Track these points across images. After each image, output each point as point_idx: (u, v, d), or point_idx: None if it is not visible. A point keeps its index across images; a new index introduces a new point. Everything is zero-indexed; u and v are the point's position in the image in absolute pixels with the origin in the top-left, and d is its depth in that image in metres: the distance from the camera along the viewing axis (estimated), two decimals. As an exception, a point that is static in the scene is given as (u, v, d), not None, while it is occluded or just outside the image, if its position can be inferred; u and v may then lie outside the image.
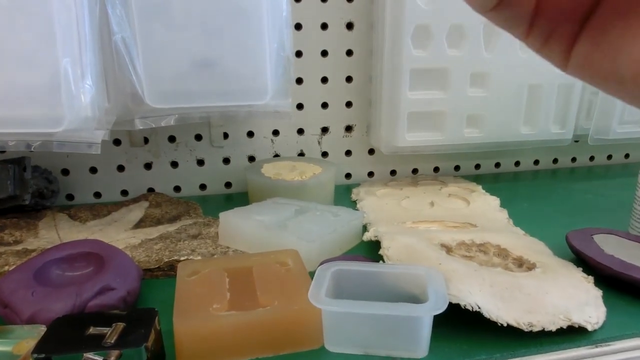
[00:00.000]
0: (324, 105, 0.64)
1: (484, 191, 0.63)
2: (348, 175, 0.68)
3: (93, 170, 0.60)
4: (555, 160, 0.75)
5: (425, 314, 0.30)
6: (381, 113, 0.59)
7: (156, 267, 0.41)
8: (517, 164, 0.74)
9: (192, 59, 0.41)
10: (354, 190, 0.63)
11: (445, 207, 0.57)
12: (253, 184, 0.57)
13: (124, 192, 0.62)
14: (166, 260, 0.42)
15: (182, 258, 0.42)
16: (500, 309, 0.32)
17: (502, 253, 0.43)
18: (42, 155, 0.56)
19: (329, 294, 0.33)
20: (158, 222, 0.52)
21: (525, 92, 0.59)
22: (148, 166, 0.62)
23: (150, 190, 0.62)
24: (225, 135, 0.63)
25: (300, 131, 0.65)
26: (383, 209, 0.57)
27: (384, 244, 0.41)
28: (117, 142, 0.60)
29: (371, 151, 0.68)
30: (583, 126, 0.66)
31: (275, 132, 0.64)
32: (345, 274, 0.35)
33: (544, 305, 0.34)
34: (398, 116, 0.57)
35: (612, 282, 0.39)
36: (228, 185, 0.65)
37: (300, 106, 0.64)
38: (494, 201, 0.59)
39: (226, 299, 0.32)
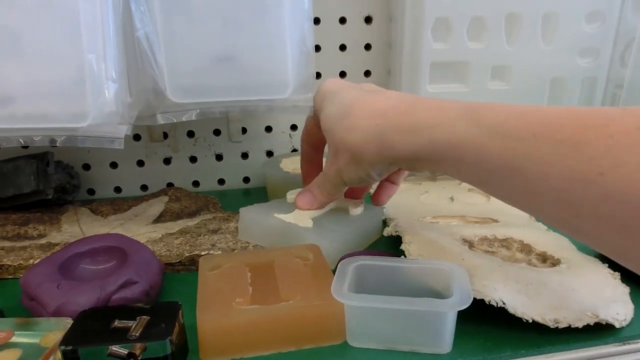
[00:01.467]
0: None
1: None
2: (366, 170, 0.68)
3: (113, 165, 0.61)
4: None
5: (450, 310, 0.29)
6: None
7: (177, 262, 0.42)
8: None
9: (213, 54, 0.41)
10: (373, 185, 0.63)
11: (465, 202, 0.57)
12: (272, 179, 0.57)
13: (144, 187, 0.62)
14: (187, 254, 0.42)
15: (202, 253, 0.42)
16: (525, 305, 0.32)
17: (525, 248, 0.42)
18: (64, 151, 0.57)
19: (352, 288, 0.32)
20: (178, 216, 0.52)
21: (548, 86, 0.58)
22: (167, 161, 0.62)
23: (170, 185, 0.63)
24: (244, 130, 0.63)
25: (318, 126, 0.65)
26: (402, 203, 0.56)
27: (405, 238, 0.41)
28: (137, 137, 0.60)
29: (389, 146, 0.67)
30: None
31: (294, 127, 0.64)
32: (367, 269, 0.35)
33: (570, 301, 0.33)
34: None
35: (638, 278, 0.38)
36: (246, 180, 0.65)
37: (317, 101, 0.63)
38: (515, 196, 0.58)
39: (248, 294, 0.32)
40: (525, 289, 0.34)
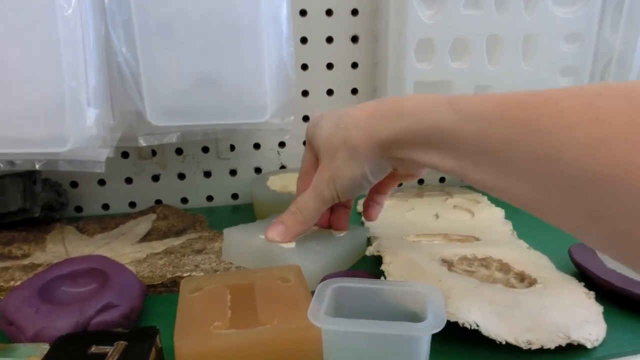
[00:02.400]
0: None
1: (489, 202, 0.62)
2: (353, 187, 0.69)
3: (101, 182, 0.61)
4: None
5: (423, 333, 0.30)
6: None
7: (160, 283, 0.42)
8: None
9: (193, 77, 0.42)
10: (360, 202, 0.63)
11: (450, 219, 0.57)
12: (258, 197, 0.57)
13: (132, 204, 0.63)
14: (169, 276, 0.42)
15: (185, 274, 0.42)
16: (499, 327, 0.32)
17: (504, 268, 0.43)
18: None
19: (330, 311, 0.33)
20: (164, 235, 0.53)
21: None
22: (156, 178, 0.63)
23: (158, 202, 0.63)
24: (232, 148, 0.64)
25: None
26: (388, 220, 0.57)
27: (385, 259, 0.41)
28: (125, 154, 0.61)
29: (376, 162, 0.68)
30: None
31: (282, 144, 0.65)
32: (345, 291, 0.35)
33: (543, 322, 0.34)
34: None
35: (613, 297, 0.39)
36: (235, 196, 0.66)
37: (306, 118, 0.64)
38: (499, 213, 0.59)
39: (227, 317, 0.33)
40: (499, 311, 0.34)
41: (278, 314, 0.33)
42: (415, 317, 0.33)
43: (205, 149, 0.63)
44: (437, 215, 0.58)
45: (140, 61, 0.37)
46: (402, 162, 0.37)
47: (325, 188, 0.40)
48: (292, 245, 0.43)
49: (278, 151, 0.65)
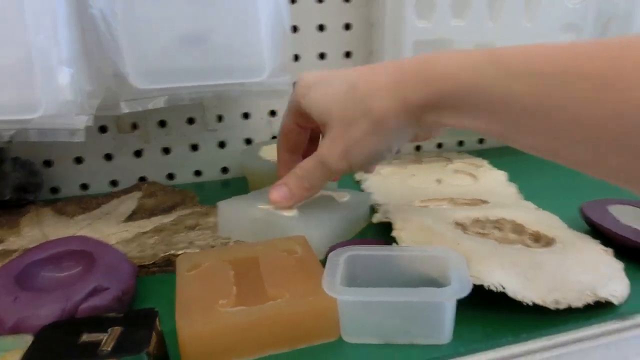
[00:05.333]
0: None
1: (490, 166, 0.60)
2: (348, 155, 0.65)
3: (78, 160, 0.57)
4: None
5: (449, 299, 0.27)
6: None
7: (151, 263, 0.38)
8: None
9: (180, 34, 0.37)
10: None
11: (453, 184, 0.55)
12: (251, 169, 0.54)
13: (114, 183, 0.59)
14: (162, 255, 0.39)
15: (179, 252, 0.39)
16: (525, 288, 0.30)
17: (518, 229, 0.40)
18: (22, 146, 0.53)
19: (344, 281, 0.30)
20: (152, 213, 0.49)
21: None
22: (138, 153, 0.58)
23: (142, 179, 0.59)
24: (220, 118, 0.60)
25: (297, 111, 0.62)
26: (389, 188, 0.54)
27: (396, 225, 0.38)
28: (103, 129, 0.56)
29: (371, 129, 0.65)
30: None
31: (273, 113, 0.61)
32: (359, 260, 0.32)
33: (568, 281, 0.32)
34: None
35: (630, 253, 0.37)
36: (225, 170, 0.62)
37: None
38: (502, 176, 0.57)
39: (232, 294, 0.30)
40: (523, 272, 0.32)
41: (289, 287, 0.30)
42: (434, 283, 0.31)
43: (190, 120, 0.59)
44: (439, 181, 0.56)
45: (120, 15, 0.32)
46: (429, 126, 0.34)
47: (336, 161, 0.36)
48: (293, 212, 0.40)
49: (269, 120, 0.61)
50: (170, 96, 0.38)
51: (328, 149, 0.36)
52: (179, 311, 0.28)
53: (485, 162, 0.61)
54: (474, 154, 0.65)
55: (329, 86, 0.36)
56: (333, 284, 0.28)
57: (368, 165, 0.37)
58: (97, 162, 0.57)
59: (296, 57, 0.59)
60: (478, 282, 0.30)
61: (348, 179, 0.58)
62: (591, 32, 0.57)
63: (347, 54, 0.60)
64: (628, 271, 0.34)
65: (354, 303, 0.28)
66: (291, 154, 0.43)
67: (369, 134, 0.34)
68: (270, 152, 0.54)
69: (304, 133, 0.42)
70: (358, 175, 0.59)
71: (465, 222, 0.40)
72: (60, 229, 0.45)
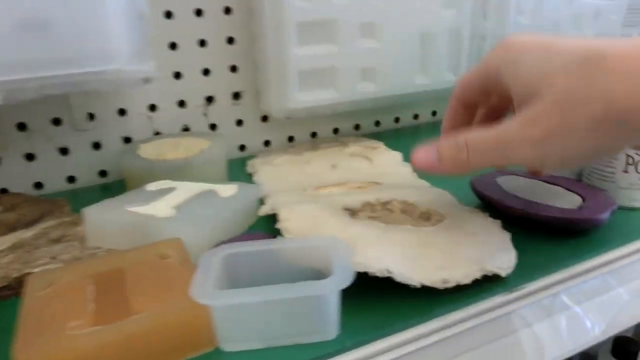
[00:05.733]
0: (206, 72, 0.57)
1: (386, 147, 0.60)
2: (242, 147, 0.62)
3: None
4: None
5: (330, 291, 0.25)
6: (269, 74, 0.53)
7: (4, 286, 0.33)
8: (415, 116, 0.72)
9: (15, 19, 0.32)
10: (249, 163, 0.57)
11: (348, 168, 0.54)
12: (130, 169, 0.49)
13: (-31, 197, 0.51)
14: (16, 275, 0.33)
15: (36, 269, 0.34)
16: (412, 270, 0.29)
17: (409, 209, 0.40)
18: None
19: (221, 284, 0.27)
20: (12, 228, 0.43)
21: (417, 41, 0.56)
22: (-4, 162, 0.51)
23: (4, 191, 0.52)
24: (91, 116, 0.54)
25: (182, 103, 0.57)
26: (282, 178, 0.52)
27: (281, 215, 0.36)
28: (-53, 137, 0.48)
29: (265, 118, 0.62)
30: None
31: (152, 107, 0.56)
32: (238, 258, 0.30)
33: (456, 258, 0.31)
34: (287, 75, 0.52)
35: (517, 222, 0.38)
36: (103, 173, 0.56)
37: (178, 75, 0.56)
38: (397, 156, 0.57)
39: (89, 313, 0.26)
40: (411, 253, 0.31)
41: (156, 298, 0.27)
42: (320, 276, 0.29)
43: (56, 121, 0.52)
44: (334, 166, 0.54)
45: None
46: None
47: (526, 148, 0.26)
48: (170, 213, 0.36)
49: (149, 116, 0.56)
50: (7, 91, 0.32)
51: (522, 128, 0.26)
52: (18, 340, 0.24)
53: (381, 144, 0.61)
54: (371, 137, 0.65)
55: (553, 51, 0.26)
56: (202, 289, 0.25)
57: (562, 166, 0.28)
58: (-57, 175, 0.49)
59: (173, 46, 0.54)
60: (363, 269, 0.29)
61: (240, 172, 0.55)
62: (470, 8, 0.59)
63: (230, 40, 0.57)
64: (516, 241, 0.34)
65: (227, 307, 0.26)
66: (465, 109, 0.34)
67: (596, 127, 0.24)
68: (151, 150, 0.50)
69: (484, 99, 0.34)
70: (249, 168, 0.56)
71: (355, 207, 0.39)
72: None
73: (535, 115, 0.25)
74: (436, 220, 0.38)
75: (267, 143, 0.63)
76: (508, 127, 0.27)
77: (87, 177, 0.55)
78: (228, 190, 0.42)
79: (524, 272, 0.33)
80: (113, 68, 0.34)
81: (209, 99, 0.58)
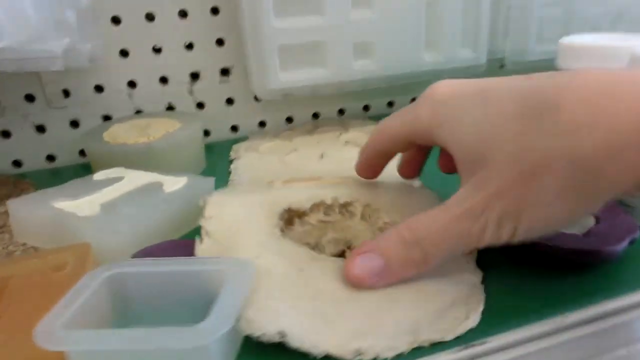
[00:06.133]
0: (189, 46, 0.52)
1: (389, 134, 0.53)
2: (234, 129, 0.57)
3: None
4: None
5: (187, 345, 0.20)
6: (249, 50, 0.47)
7: None
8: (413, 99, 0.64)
9: None
10: (234, 147, 0.52)
11: (338, 157, 0.47)
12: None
13: (-52, 175, 0.50)
14: None
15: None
16: (319, 333, 0.22)
17: (373, 215, 0.33)
18: None
19: (106, 311, 0.23)
20: (-34, 212, 0.41)
21: (423, 11, 0.48)
22: (-32, 139, 0.49)
23: (-19, 168, 0.51)
24: (66, 93, 0.51)
25: (164, 80, 0.53)
26: (260, 167, 0.46)
27: (206, 211, 0.30)
28: None
29: (258, 97, 0.56)
30: (506, 47, 0.55)
31: (132, 84, 0.52)
32: (129, 279, 0.25)
33: (385, 319, 0.23)
34: (265, 51, 0.45)
35: (505, 251, 0.29)
36: (83, 153, 0.53)
37: (157, 50, 0.51)
38: (396, 146, 0.49)
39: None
40: (323, 308, 0.24)
41: (21, 327, 0.23)
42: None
43: (29, 97, 0.50)
44: (322, 155, 0.48)
45: None
46: None
47: (493, 228, 0.22)
48: (93, 212, 0.32)
49: (128, 93, 0.52)
50: None
51: (483, 204, 0.22)
52: None
53: (384, 130, 0.54)
54: (378, 119, 0.58)
55: (487, 105, 0.22)
56: (50, 328, 0.21)
57: (539, 234, 0.23)
58: None
59: (150, 17, 0.50)
60: (249, 331, 0.22)
61: (223, 157, 0.50)
62: None
63: (214, 10, 0.51)
64: (494, 280, 0.27)
65: (81, 354, 0.21)
66: (381, 158, 0.32)
67: (566, 192, 0.20)
68: (118, 132, 0.46)
69: (418, 153, 0.32)
70: (233, 153, 0.51)
71: (302, 207, 0.32)
72: None
73: (495, 188, 0.21)
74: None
75: (262, 124, 0.58)
76: (464, 202, 0.22)
77: (67, 156, 0.53)
78: (175, 183, 0.37)
79: (490, 324, 0.24)
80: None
81: (194, 76, 0.54)
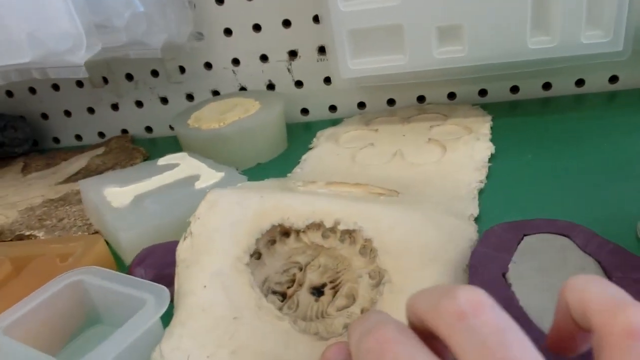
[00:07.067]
0: (286, 23, 0.51)
1: (486, 132, 0.43)
2: (333, 108, 0.55)
3: (67, 113, 0.61)
4: (614, 79, 0.47)
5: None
6: (325, 35, 0.44)
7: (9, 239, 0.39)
8: (546, 86, 0.49)
9: None
10: (318, 133, 0.50)
11: (409, 161, 0.42)
12: (182, 139, 0.49)
13: (101, 134, 0.61)
14: (18, 233, 0.40)
15: (30, 232, 0.39)
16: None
17: (371, 254, 0.29)
18: (16, 102, 0.59)
19: (57, 315, 0.26)
20: (87, 175, 0.50)
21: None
22: (115, 107, 0.59)
23: (124, 131, 0.61)
24: (182, 70, 0.56)
25: (264, 57, 0.53)
26: (327, 162, 0.44)
27: (197, 210, 0.30)
28: (79, 83, 0.58)
29: (357, 76, 0.52)
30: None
31: (235, 61, 0.54)
32: (88, 287, 0.28)
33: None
34: (335, 37, 0.41)
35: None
36: (198, 124, 0.59)
37: (257, 27, 0.52)
38: (484, 151, 0.40)
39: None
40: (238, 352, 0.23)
41: None
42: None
43: (154, 73, 0.56)
44: (397, 154, 0.43)
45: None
46: None
47: None
48: (123, 203, 0.36)
49: (233, 70, 0.55)
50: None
51: None
52: None
53: (486, 125, 0.45)
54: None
55: None
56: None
57: None
58: (82, 116, 0.60)
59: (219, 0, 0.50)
60: None
61: (306, 141, 0.49)
62: None
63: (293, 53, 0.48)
64: None
65: None
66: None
67: None
68: (206, 114, 0.49)
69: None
70: (315, 140, 0.49)
71: (293, 226, 0.30)
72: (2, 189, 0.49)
73: None
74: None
75: (361, 105, 0.54)
76: None
77: (185, 126, 0.59)
78: (210, 179, 0.38)
79: None
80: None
81: (292, 54, 0.52)
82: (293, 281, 0.29)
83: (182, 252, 0.29)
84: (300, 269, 0.30)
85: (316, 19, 0.50)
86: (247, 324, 0.25)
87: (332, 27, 0.41)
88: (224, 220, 0.30)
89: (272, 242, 0.30)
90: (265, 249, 0.30)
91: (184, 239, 0.29)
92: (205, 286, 0.26)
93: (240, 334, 0.24)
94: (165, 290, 0.25)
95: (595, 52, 0.37)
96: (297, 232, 0.30)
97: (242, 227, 0.29)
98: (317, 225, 0.30)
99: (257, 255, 0.29)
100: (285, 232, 0.31)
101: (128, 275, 0.27)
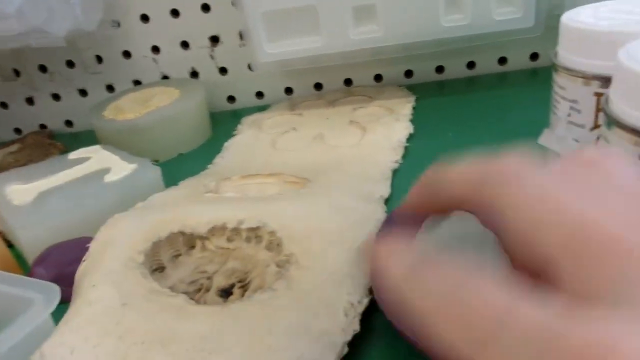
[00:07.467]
0: (205, 8, 0.49)
1: (408, 111, 0.44)
2: (260, 94, 0.54)
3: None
4: (534, 56, 0.49)
5: None
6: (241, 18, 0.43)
7: None
8: (470, 65, 0.50)
9: None
10: (243, 120, 0.49)
11: (329, 144, 0.41)
12: (99, 132, 0.47)
13: (17, 130, 0.58)
14: None
15: None
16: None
17: (277, 246, 0.28)
18: None
19: None
20: None
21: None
22: (30, 101, 0.56)
23: (43, 126, 0.57)
24: (99, 59, 0.53)
25: (185, 44, 0.52)
26: (248, 150, 0.43)
27: (98, 233, 0.29)
28: (-9, 76, 0.55)
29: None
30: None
31: (155, 49, 0.52)
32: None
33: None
34: (249, 20, 0.40)
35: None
36: (121, 116, 0.56)
37: (175, 12, 0.50)
38: (402, 131, 0.41)
39: None
40: (124, 349, 0.21)
41: None
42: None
43: (70, 64, 0.53)
44: (317, 137, 0.42)
45: None
46: None
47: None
48: (25, 201, 0.34)
49: (153, 58, 0.53)
50: None
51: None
52: None
53: (408, 105, 0.45)
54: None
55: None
56: None
57: None
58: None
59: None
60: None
61: (231, 128, 0.48)
62: None
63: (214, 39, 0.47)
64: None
65: None
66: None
67: None
68: (119, 108, 0.46)
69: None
70: (240, 127, 0.48)
71: (196, 232, 0.29)
72: None
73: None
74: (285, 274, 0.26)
75: (289, 90, 0.53)
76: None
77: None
78: (121, 171, 0.36)
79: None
80: None
81: (214, 39, 0.51)
82: (200, 290, 0.28)
83: (79, 273, 0.27)
84: (208, 278, 0.29)
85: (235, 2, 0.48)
86: (136, 307, 0.24)
87: (246, 10, 0.39)
88: (120, 232, 0.29)
89: (177, 255, 0.29)
90: (170, 263, 0.29)
91: (83, 261, 0.28)
92: (94, 285, 0.25)
93: (127, 318, 0.23)
94: (55, 288, 0.24)
95: (508, 29, 0.38)
96: (202, 240, 0.29)
97: (138, 236, 0.28)
98: (221, 229, 0.29)
99: (160, 269, 0.28)
100: (192, 245, 0.30)
101: (16, 275, 0.26)
